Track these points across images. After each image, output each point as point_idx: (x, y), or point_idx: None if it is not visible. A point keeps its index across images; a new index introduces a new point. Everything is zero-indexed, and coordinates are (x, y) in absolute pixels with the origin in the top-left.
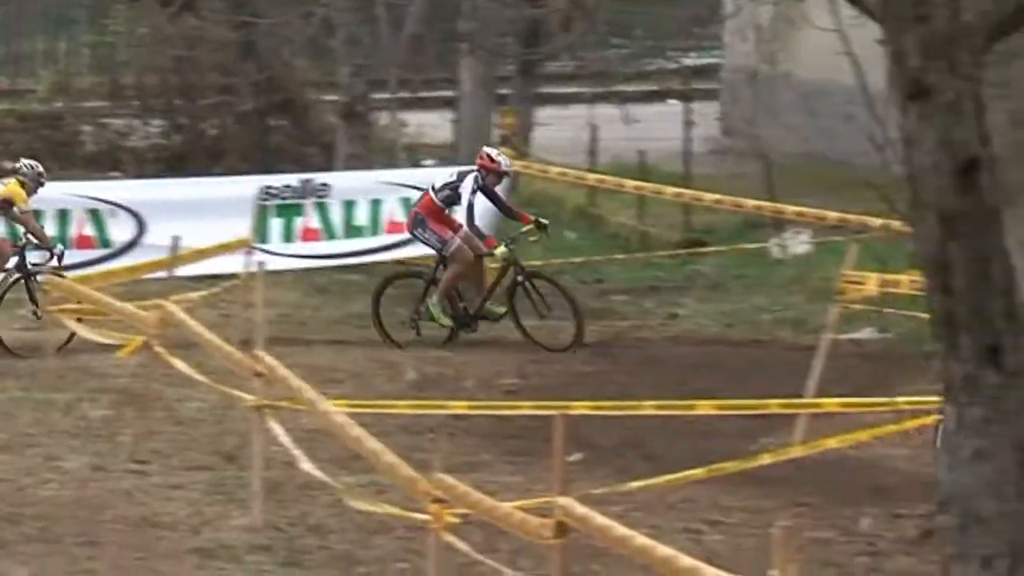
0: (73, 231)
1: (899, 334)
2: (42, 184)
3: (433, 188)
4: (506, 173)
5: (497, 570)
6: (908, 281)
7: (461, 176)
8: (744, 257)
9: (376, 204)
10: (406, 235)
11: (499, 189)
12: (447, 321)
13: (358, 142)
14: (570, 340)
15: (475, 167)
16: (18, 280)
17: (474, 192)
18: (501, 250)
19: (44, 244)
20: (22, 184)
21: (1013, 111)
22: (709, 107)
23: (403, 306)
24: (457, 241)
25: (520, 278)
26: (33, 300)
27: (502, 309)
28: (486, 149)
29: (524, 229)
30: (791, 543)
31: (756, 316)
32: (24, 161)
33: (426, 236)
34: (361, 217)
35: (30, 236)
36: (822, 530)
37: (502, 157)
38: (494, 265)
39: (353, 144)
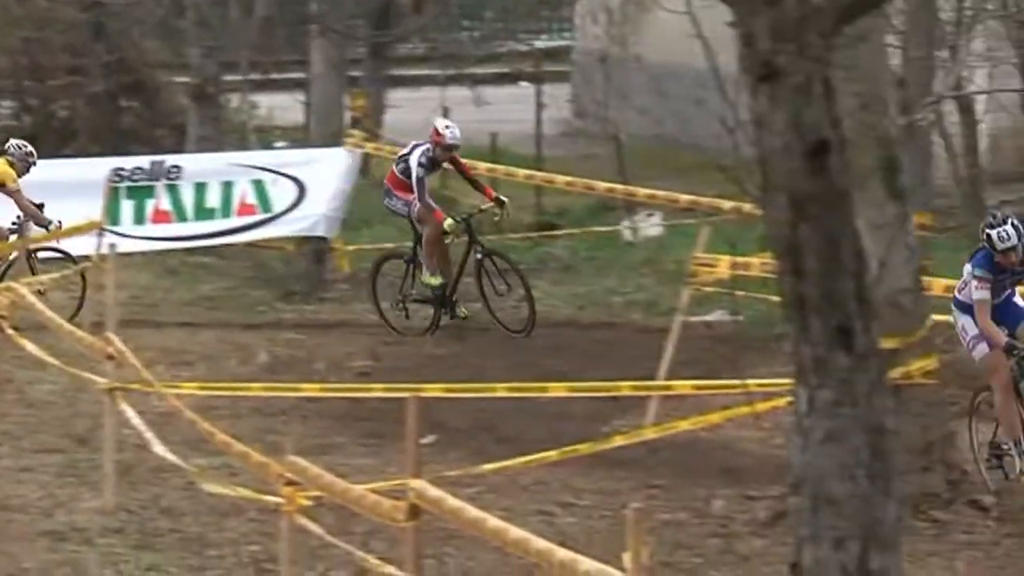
0: None
1: (750, 316)
2: (33, 164)
3: (394, 162)
4: (451, 146)
5: (350, 553)
6: (759, 264)
7: (413, 148)
8: (596, 239)
9: (228, 186)
10: (257, 217)
11: (348, 170)
12: (437, 280)
13: (209, 124)
14: (525, 321)
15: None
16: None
17: (422, 166)
18: (450, 223)
19: (39, 222)
20: (11, 164)
21: (861, 93)
22: (560, 89)
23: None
24: (418, 204)
25: (479, 255)
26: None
27: (465, 312)
28: (435, 122)
29: (484, 206)
30: (644, 525)
31: (608, 298)
32: (13, 141)
33: (393, 204)
34: (212, 199)
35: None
36: (674, 512)
37: (448, 130)
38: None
39: (204, 126)
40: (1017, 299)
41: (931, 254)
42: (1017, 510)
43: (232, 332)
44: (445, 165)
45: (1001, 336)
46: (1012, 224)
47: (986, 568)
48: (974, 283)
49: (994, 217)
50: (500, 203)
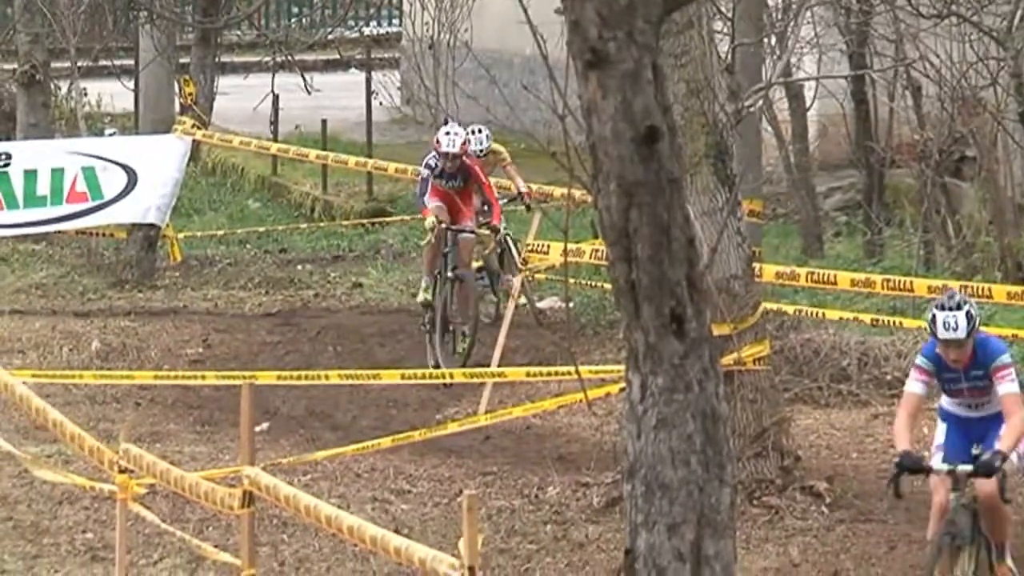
0: None
1: (582, 303)
2: None
3: None
4: (447, 154)
5: (184, 540)
6: (591, 251)
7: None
8: None
9: (58, 173)
10: (88, 205)
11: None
12: (424, 295)
13: (38, 111)
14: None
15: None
16: None
17: (427, 167)
18: (429, 221)
19: None
20: None
21: (691, 80)
22: (390, 76)
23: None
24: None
25: (450, 275)
26: None
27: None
28: (438, 133)
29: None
30: (478, 512)
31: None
32: None
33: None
34: (43, 187)
35: None
36: (509, 499)
37: (446, 137)
38: None
39: (33, 113)
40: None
41: (761, 241)
42: (850, 497)
43: (64, 320)
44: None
45: (904, 443)
46: (967, 313)
47: (819, 554)
48: (912, 371)
49: (950, 298)
50: (495, 230)
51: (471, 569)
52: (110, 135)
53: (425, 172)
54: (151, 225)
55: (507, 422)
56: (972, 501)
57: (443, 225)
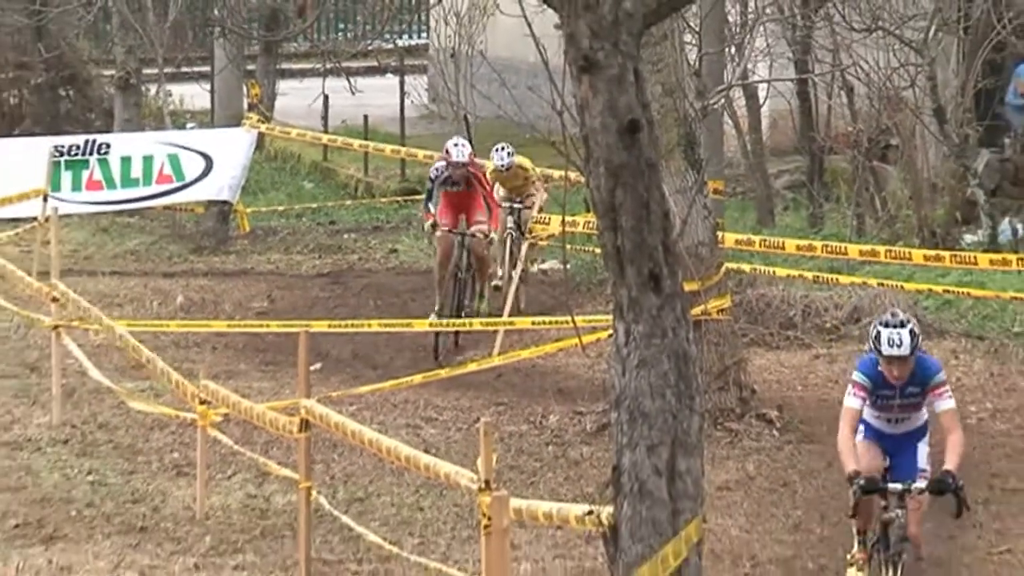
0: None
1: (577, 265)
2: None
3: None
4: (456, 163)
5: (253, 459)
6: (584, 222)
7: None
8: None
9: (148, 160)
10: (173, 185)
11: (246, 146)
12: (433, 317)
13: (131, 109)
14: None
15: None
16: None
17: (431, 180)
18: (429, 224)
19: None
20: None
21: (665, 82)
22: (419, 80)
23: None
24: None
25: (460, 275)
26: None
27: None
28: (446, 144)
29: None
30: (492, 435)
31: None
32: None
33: None
34: (136, 170)
35: None
36: (517, 425)
37: (455, 148)
38: None
39: (127, 110)
40: (921, 451)
41: (723, 214)
42: (796, 422)
43: (153, 279)
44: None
45: (852, 461)
46: (910, 331)
47: (771, 468)
48: (849, 387)
49: (893, 315)
50: (485, 235)
51: (487, 482)
52: (190, 128)
53: (429, 183)
54: (224, 201)
55: (516, 362)
56: (905, 536)
57: (447, 230)
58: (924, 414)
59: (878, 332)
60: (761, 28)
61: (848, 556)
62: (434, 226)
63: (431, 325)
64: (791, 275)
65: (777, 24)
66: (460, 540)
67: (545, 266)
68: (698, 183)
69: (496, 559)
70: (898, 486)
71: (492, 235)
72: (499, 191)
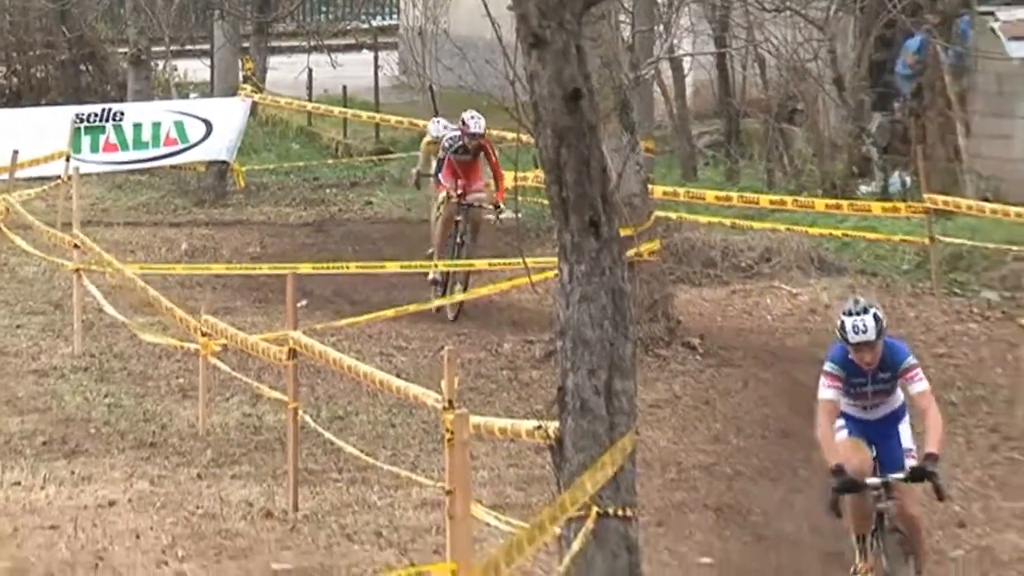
0: None
1: (528, 214)
2: None
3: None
4: (474, 134)
5: (248, 383)
6: (534, 177)
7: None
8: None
9: (157, 126)
10: (178, 147)
11: (242, 113)
12: (435, 275)
13: (142, 82)
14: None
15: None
16: None
17: (444, 149)
18: (441, 195)
19: None
20: None
21: (603, 56)
22: (391, 55)
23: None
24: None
25: (459, 240)
26: None
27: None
28: (463, 114)
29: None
30: (454, 362)
31: (427, 203)
32: None
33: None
34: (146, 135)
35: None
36: (476, 352)
37: (472, 120)
38: None
39: (138, 83)
40: (903, 432)
41: (653, 169)
42: (716, 348)
43: (161, 229)
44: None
45: (834, 456)
46: (874, 316)
47: (694, 389)
48: (822, 379)
49: (855, 303)
50: (497, 206)
51: (450, 402)
52: (193, 98)
53: (442, 153)
54: (222, 161)
55: (475, 298)
56: (898, 527)
57: (453, 199)
58: (900, 395)
59: (842, 322)
60: (685, 8)
61: (852, 570)
62: (448, 196)
63: (432, 283)
64: (711, 222)
65: (699, 4)
66: (427, 452)
67: (502, 215)
68: (631, 143)
69: (458, 468)
70: (877, 480)
71: (502, 206)
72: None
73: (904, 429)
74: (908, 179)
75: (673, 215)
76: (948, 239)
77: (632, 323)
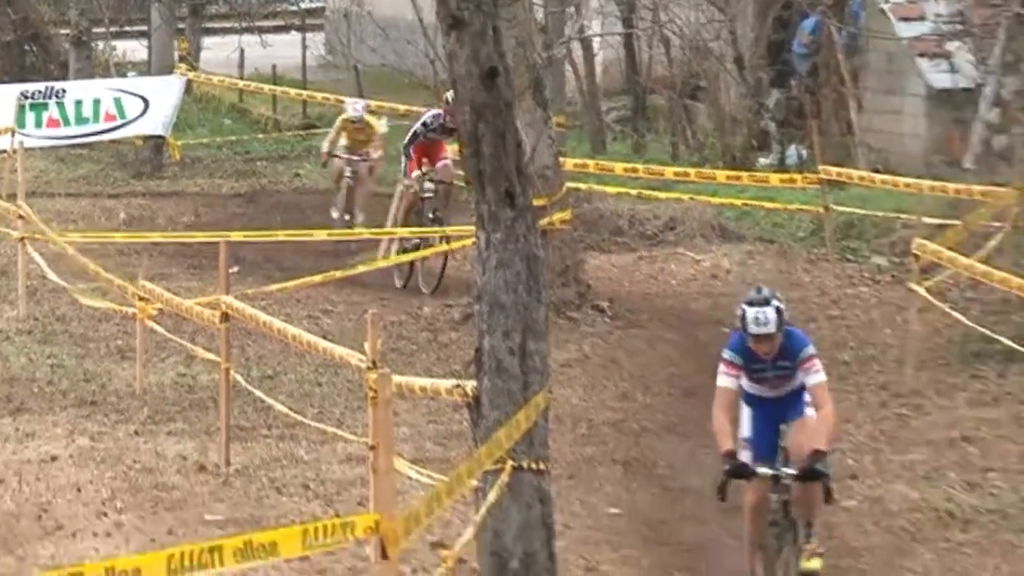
0: None
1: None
2: None
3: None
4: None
5: (183, 345)
6: (452, 150)
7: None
8: None
9: (97, 102)
10: (117, 123)
11: (177, 90)
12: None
13: (83, 61)
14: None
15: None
16: None
17: (424, 125)
18: (417, 174)
19: None
20: None
21: (518, 36)
22: (318, 36)
23: None
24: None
25: (431, 216)
26: None
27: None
28: (447, 94)
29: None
30: (377, 324)
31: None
32: None
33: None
34: (87, 111)
35: None
36: (398, 315)
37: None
38: None
39: (80, 62)
40: (807, 407)
41: (564, 143)
42: (623, 311)
43: (101, 200)
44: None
45: (727, 441)
46: (775, 308)
47: (603, 349)
48: (721, 365)
49: (758, 292)
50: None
51: (373, 362)
52: (131, 76)
53: (420, 127)
54: (159, 136)
55: (399, 266)
56: (788, 516)
57: (423, 174)
58: (800, 379)
59: (744, 312)
60: None
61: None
62: (424, 174)
63: (402, 252)
64: (619, 192)
65: None
66: (352, 409)
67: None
68: (544, 118)
69: (381, 424)
70: (768, 471)
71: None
72: (342, 141)
73: (809, 411)
74: (804, 152)
75: (583, 186)
76: (841, 208)
77: (545, 288)
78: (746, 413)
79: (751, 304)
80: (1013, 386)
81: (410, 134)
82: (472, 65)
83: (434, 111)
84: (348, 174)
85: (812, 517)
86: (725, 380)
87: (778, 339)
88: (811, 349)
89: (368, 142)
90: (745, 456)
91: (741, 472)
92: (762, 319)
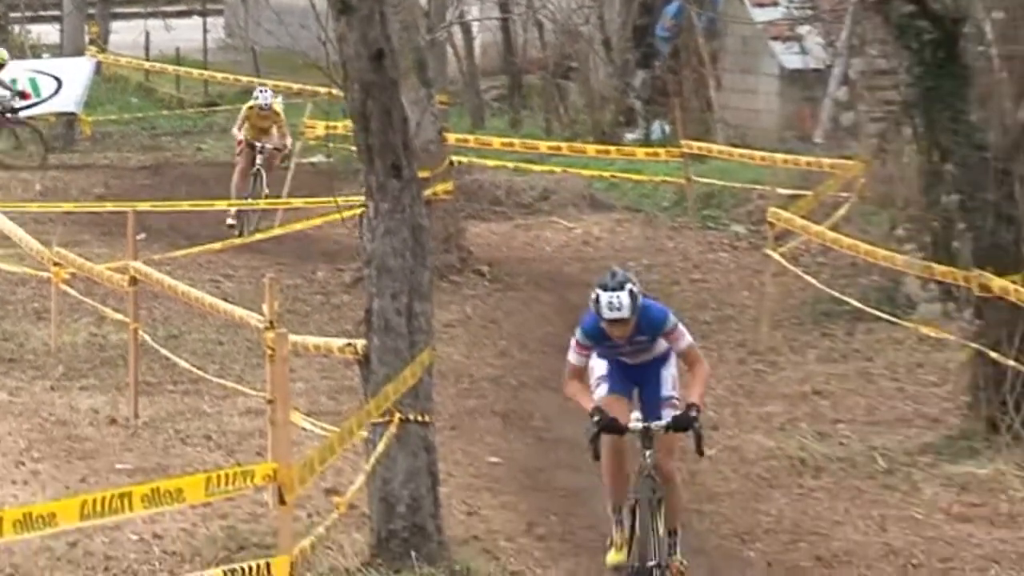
0: None
1: (339, 159)
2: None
3: None
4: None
5: (95, 307)
6: (343, 126)
7: None
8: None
9: (14, 82)
10: (32, 100)
11: (88, 71)
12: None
13: (1, 45)
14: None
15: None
16: None
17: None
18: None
19: None
20: None
21: (403, 21)
22: (218, 20)
23: None
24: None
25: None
26: None
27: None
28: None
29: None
30: (275, 288)
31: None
32: None
33: None
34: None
35: None
36: (294, 279)
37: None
38: None
39: None
40: (666, 378)
41: (447, 119)
42: (502, 275)
43: (17, 172)
44: None
45: (588, 400)
46: (629, 292)
47: (483, 310)
48: (572, 343)
49: (612, 276)
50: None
51: (271, 322)
52: (45, 58)
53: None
54: (71, 112)
55: (293, 232)
56: (652, 475)
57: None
58: (663, 344)
59: (597, 295)
60: None
61: (607, 542)
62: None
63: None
64: (497, 165)
65: None
66: (251, 366)
67: (314, 160)
68: (428, 96)
69: (278, 380)
70: (639, 425)
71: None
72: (247, 131)
73: (667, 375)
74: (667, 127)
75: (464, 159)
76: (702, 180)
77: (429, 253)
78: (602, 363)
79: (604, 288)
80: (859, 343)
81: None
82: (360, 47)
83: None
84: (259, 162)
85: (675, 523)
86: (574, 357)
87: (632, 323)
88: (671, 319)
89: (271, 130)
90: (603, 390)
91: (612, 426)
92: (616, 303)
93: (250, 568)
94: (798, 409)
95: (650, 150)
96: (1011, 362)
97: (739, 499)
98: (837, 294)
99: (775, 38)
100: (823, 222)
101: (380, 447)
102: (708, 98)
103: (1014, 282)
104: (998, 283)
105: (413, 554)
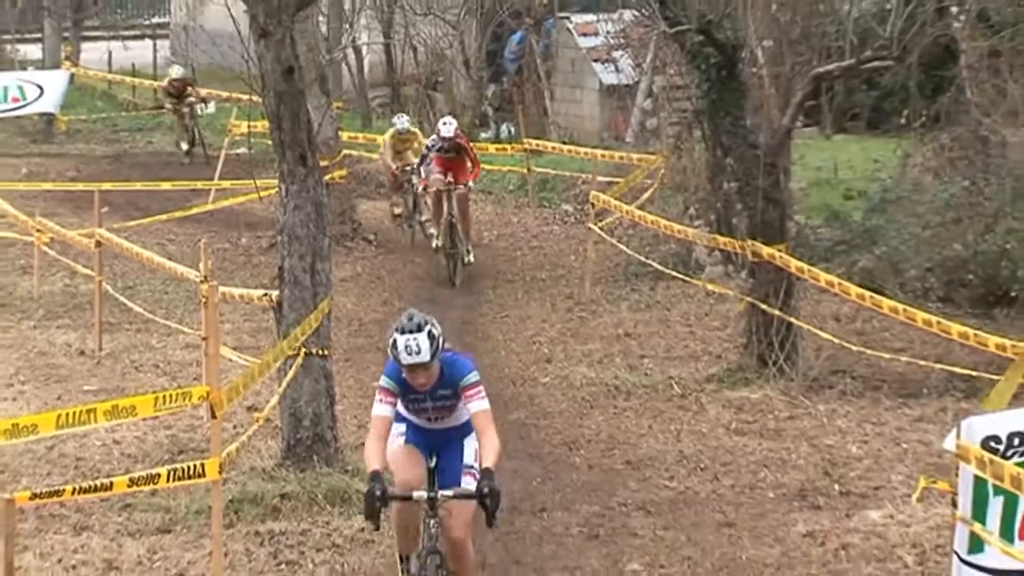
0: None
1: (259, 149)
2: None
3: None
4: (444, 138)
5: (68, 264)
6: (262, 125)
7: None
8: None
9: (5, 88)
10: (20, 103)
11: (64, 81)
12: (437, 243)
13: None
14: None
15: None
16: None
17: (427, 147)
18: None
19: None
20: None
21: (308, 43)
22: (165, 43)
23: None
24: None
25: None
26: None
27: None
28: (438, 124)
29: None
30: (207, 251)
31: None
32: None
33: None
34: None
35: None
36: (222, 244)
37: (444, 126)
38: None
39: None
40: (468, 447)
41: (342, 121)
42: (385, 242)
43: (5, 159)
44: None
45: (375, 461)
46: (428, 334)
47: (370, 269)
48: (377, 393)
49: (409, 319)
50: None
51: (205, 277)
52: (30, 70)
53: (425, 150)
54: (51, 112)
55: (223, 207)
56: (438, 549)
57: (439, 186)
58: (465, 413)
59: (394, 339)
60: (363, 11)
61: None
62: (425, 188)
63: (436, 250)
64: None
65: (372, 9)
66: (189, 311)
67: (238, 151)
68: (327, 103)
69: (210, 322)
70: (423, 494)
71: (471, 184)
72: (389, 152)
73: (469, 445)
74: (512, 129)
75: (355, 152)
76: (540, 169)
77: (328, 224)
78: (401, 426)
79: (401, 331)
80: (660, 297)
81: (421, 155)
82: (275, 64)
83: (433, 137)
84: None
85: (460, 568)
86: (380, 408)
87: (434, 369)
88: (474, 376)
89: (407, 153)
90: (400, 441)
91: (391, 497)
92: (413, 347)
93: (189, 468)
94: (613, 347)
95: (499, 146)
96: (776, 312)
97: (567, 416)
98: (643, 259)
99: (596, 60)
100: (632, 203)
101: (290, 374)
102: (544, 106)
103: (779, 250)
104: (767, 251)
105: (315, 457)
